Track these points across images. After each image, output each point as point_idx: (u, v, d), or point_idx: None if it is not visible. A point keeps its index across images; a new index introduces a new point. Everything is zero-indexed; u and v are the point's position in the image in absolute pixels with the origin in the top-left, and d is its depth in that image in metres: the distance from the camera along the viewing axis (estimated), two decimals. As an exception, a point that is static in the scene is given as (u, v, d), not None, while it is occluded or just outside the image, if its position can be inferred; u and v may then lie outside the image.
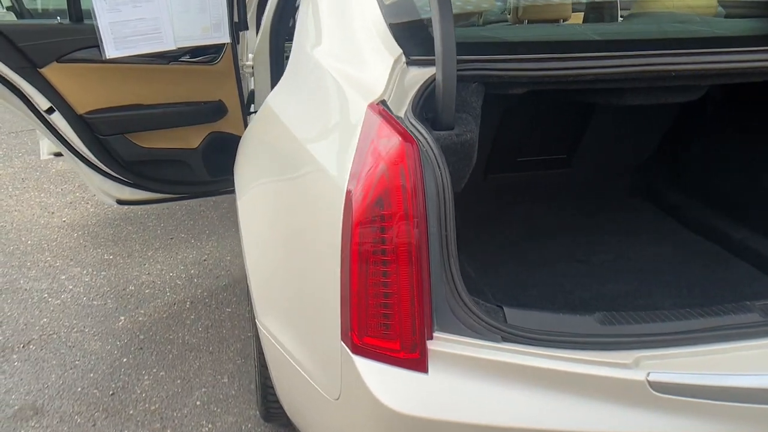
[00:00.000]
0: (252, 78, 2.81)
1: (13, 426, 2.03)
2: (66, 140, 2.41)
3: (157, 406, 2.12)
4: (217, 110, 2.59)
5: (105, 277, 2.89)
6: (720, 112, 2.02)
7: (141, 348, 2.41)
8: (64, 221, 3.44)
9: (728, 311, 1.22)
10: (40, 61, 2.22)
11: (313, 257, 1.28)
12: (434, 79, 1.26)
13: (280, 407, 1.80)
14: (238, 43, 2.63)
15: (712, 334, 1.17)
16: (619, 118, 2.16)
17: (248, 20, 2.81)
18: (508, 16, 2.89)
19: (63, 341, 2.45)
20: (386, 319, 1.15)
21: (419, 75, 1.29)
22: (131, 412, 2.10)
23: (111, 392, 2.18)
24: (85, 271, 2.94)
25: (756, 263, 1.79)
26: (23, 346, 2.42)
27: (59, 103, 2.30)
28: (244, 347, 2.42)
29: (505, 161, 2.20)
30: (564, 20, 2.82)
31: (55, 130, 2.38)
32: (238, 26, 2.56)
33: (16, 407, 2.12)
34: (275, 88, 1.76)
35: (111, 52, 2.20)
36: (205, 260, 3.04)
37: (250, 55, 2.76)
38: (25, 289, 2.80)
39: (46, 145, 3.12)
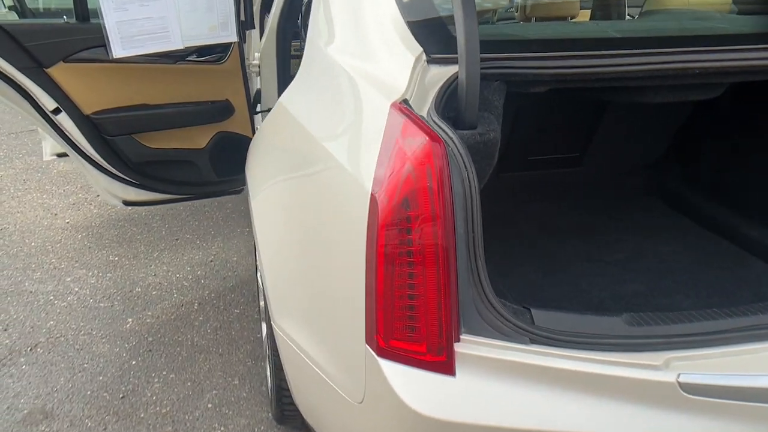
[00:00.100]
0: (258, 77, 2.79)
1: (24, 430, 2.01)
2: (72, 141, 2.38)
3: (168, 408, 2.10)
4: (224, 110, 2.57)
5: (111, 279, 2.86)
6: (734, 109, 2.01)
7: (150, 350, 2.39)
8: (68, 223, 3.42)
9: (757, 311, 1.21)
10: (47, 61, 2.19)
11: (335, 259, 1.27)
12: (456, 78, 1.24)
13: (295, 410, 1.79)
14: (245, 41, 2.61)
15: (742, 335, 1.16)
16: (631, 116, 2.15)
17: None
18: (516, 14, 2.88)
19: (71, 344, 2.43)
20: (412, 322, 1.13)
21: (440, 73, 1.27)
22: (142, 415, 2.07)
23: (121, 395, 2.16)
24: (90, 273, 2.91)
25: None
26: (30, 349, 2.40)
27: (66, 103, 2.27)
28: (254, 349, 2.40)
29: (517, 160, 2.19)
30: (572, 17, 2.81)
31: (61, 130, 2.36)
32: (244, 25, 2.53)
33: (26, 411, 2.09)
34: (289, 87, 1.74)
35: (118, 51, 2.18)
36: (211, 261, 3.02)
37: (257, 54, 2.74)
38: (31, 292, 2.77)
39: (49, 145, 3.10)
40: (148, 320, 2.56)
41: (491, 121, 1.30)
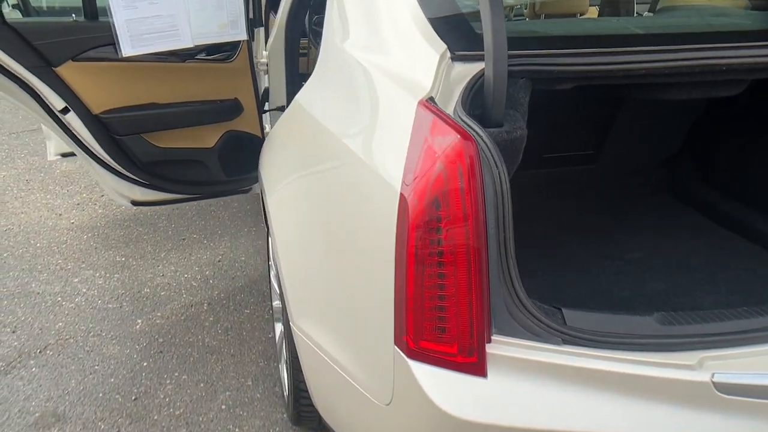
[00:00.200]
0: (266, 75, 2.76)
1: (36, 434, 1.99)
2: (80, 141, 2.36)
3: (181, 410, 2.08)
4: (233, 109, 2.55)
5: (118, 280, 2.84)
6: (751, 106, 2.00)
7: (161, 351, 2.37)
8: (73, 223, 3.39)
9: (788, 309, 1.20)
10: (56, 60, 2.17)
11: (361, 259, 1.25)
12: (482, 75, 1.22)
13: (312, 411, 1.77)
14: (253, 40, 2.58)
15: (775, 333, 1.15)
16: (646, 113, 2.14)
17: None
18: (525, 11, 2.86)
19: (80, 346, 2.40)
20: (443, 323, 1.12)
21: (465, 71, 1.25)
22: (156, 417, 2.06)
23: (134, 397, 2.14)
24: (97, 274, 2.89)
25: None
26: (40, 352, 2.38)
27: (74, 102, 2.25)
28: (266, 349, 2.38)
29: (531, 158, 2.17)
30: (581, 14, 2.79)
31: (70, 130, 2.33)
32: (253, 23, 2.51)
33: (37, 414, 2.07)
34: (305, 86, 1.72)
35: (127, 50, 2.15)
36: (219, 261, 3.00)
37: (264, 53, 2.71)
38: (38, 293, 2.75)
39: (53, 145, 3.08)
40: (157, 321, 2.54)
41: (517, 118, 1.28)
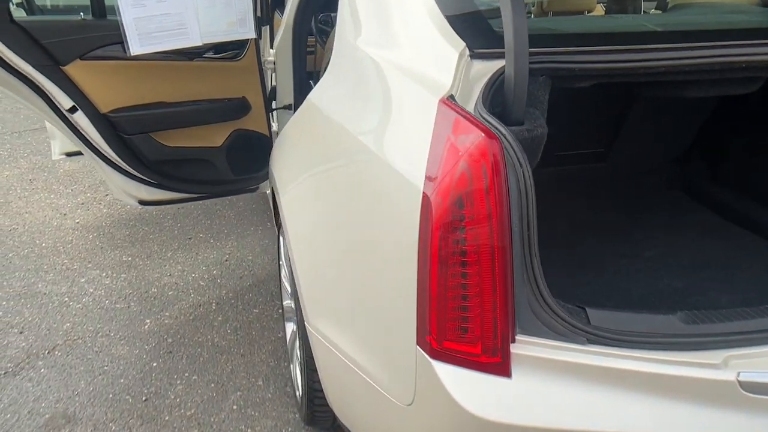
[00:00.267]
0: (273, 74, 2.75)
1: (47, 435, 1.98)
2: (88, 140, 2.34)
3: (193, 411, 2.07)
4: (241, 107, 2.53)
5: (125, 280, 2.83)
6: (763, 103, 1.99)
7: (170, 352, 2.35)
8: (78, 222, 3.37)
9: (812, 307, 1.19)
10: (64, 59, 2.15)
11: (382, 259, 1.24)
12: (502, 73, 1.21)
13: (327, 411, 1.77)
14: (260, 38, 2.57)
15: (800, 332, 1.14)
16: (658, 111, 2.13)
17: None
18: (533, 8, 2.85)
19: (89, 346, 2.39)
20: (466, 323, 1.11)
21: (484, 68, 1.24)
22: (167, 418, 2.05)
23: (144, 398, 2.13)
24: (104, 274, 2.88)
25: None
26: (48, 352, 2.36)
27: (82, 101, 2.23)
28: (276, 349, 2.37)
29: (544, 155, 2.16)
30: (589, 11, 2.78)
31: (77, 129, 2.32)
32: (260, 21, 2.50)
33: (47, 416, 2.06)
34: (318, 84, 1.71)
35: (135, 48, 2.13)
36: (226, 260, 2.99)
37: (271, 51, 2.70)
38: (44, 293, 2.73)
39: (58, 144, 3.06)
40: (166, 321, 2.53)
41: (537, 116, 1.28)
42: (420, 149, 1.15)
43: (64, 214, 3.46)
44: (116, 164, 2.42)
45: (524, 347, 1.11)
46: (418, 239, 1.11)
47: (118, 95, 2.29)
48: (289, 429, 2.00)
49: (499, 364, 1.11)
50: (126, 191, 2.53)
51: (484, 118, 1.14)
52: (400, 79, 1.34)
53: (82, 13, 2.23)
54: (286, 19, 2.50)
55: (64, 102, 2.22)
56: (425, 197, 1.10)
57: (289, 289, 2.09)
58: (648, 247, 1.89)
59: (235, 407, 2.09)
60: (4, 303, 2.66)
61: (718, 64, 1.31)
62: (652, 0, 3.02)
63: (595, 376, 1.10)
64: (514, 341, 1.11)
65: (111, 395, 2.14)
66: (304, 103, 1.74)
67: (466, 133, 1.10)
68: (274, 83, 2.78)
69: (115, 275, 2.87)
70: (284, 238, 1.91)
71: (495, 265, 1.08)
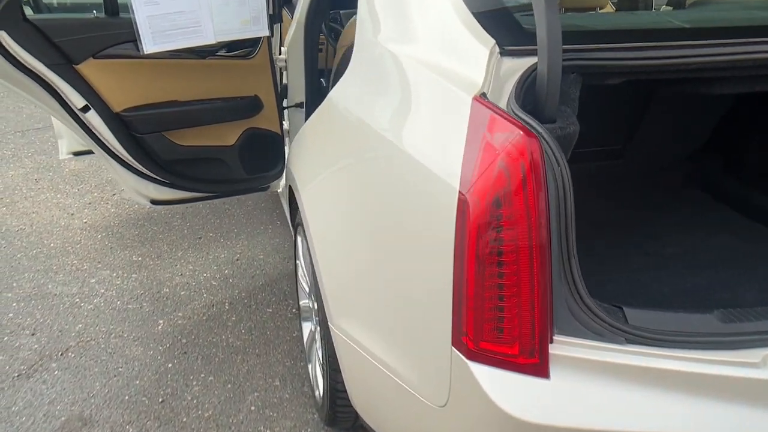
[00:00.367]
0: (284, 72, 2.73)
1: (64, 438, 1.97)
2: (100, 139, 2.32)
3: (210, 412, 2.06)
4: (254, 106, 2.51)
5: (136, 280, 2.81)
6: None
7: (185, 352, 2.34)
8: (86, 222, 3.35)
9: None
10: (77, 57, 2.13)
11: (415, 259, 1.23)
12: (534, 70, 1.20)
13: (349, 412, 1.76)
14: (272, 36, 2.55)
15: (839, 330, 1.13)
16: (675, 107, 2.12)
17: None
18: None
19: (102, 348, 2.37)
20: (503, 323, 1.10)
21: (514, 66, 1.23)
22: (185, 419, 2.03)
23: (160, 399, 2.11)
24: (114, 274, 2.86)
25: None
26: (61, 354, 2.35)
27: (95, 100, 2.21)
28: (291, 348, 2.36)
29: None
30: (600, 8, 2.76)
31: (89, 129, 2.30)
32: (272, 18, 2.48)
33: (63, 419, 2.04)
34: (339, 82, 1.69)
35: (149, 46, 2.11)
36: (237, 260, 2.97)
37: (283, 49, 2.68)
38: (55, 294, 2.71)
39: (65, 144, 3.04)
40: (179, 321, 2.52)
41: (569, 114, 1.26)
42: (454, 148, 1.14)
43: (72, 214, 3.44)
44: (128, 164, 2.39)
45: (562, 347, 1.10)
46: (455, 238, 1.10)
47: (131, 94, 2.27)
48: (309, 430, 1.99)
49: (536, 365, 1.10)
50: (138, 191, 2.50)
51: (519, 116, 1.12)
52: (429, 77, 1.32)
53: (95, 11, 2.21)
54: (297, 17, 2.48)
55: (77, 101, 2.19)
56: (461, 196, 1.08)
57: (306, 289, 2.08)
58: (668, 244, 1.89)
59: (253, 408, 2.08)
60: (14, 304, 2.64)
61: (750, 60, 1.30)
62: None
63: (634, 376, 1.09)
64: (552, 341, 1.10)
65: (127, 397, 2.13)
66: (325, 101, 1.73)
67: (502, 131, 1.09)
68: (285, 81, 2.76)
69: (125, 275, 2.85)
70: (304, 238, 1.89)
71: (533, 264, 1.07)
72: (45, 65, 2.09)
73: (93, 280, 2.81)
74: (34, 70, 2.08)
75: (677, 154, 2.30)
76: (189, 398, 2.12)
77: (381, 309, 1.38)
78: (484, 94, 1.18)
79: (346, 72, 1.68)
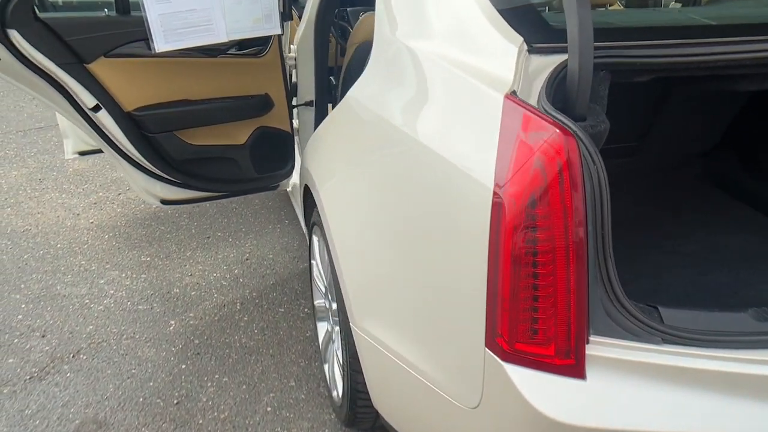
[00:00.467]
0: (294, 70, 2.71)
1: (80, 441, 1.95)
2: (111, 139, 2.30)
3: (226, 414, 2.04)
4: (264, 104, 2.49)
5: (146, 280, 2.79)
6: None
7: (198, 353, 2.32)
8: (92, 222, 3.33)
9: None
10: (88, 56, 2.10)
11: (445, 259, 1.21)
12: (564, 68, 1.19)
13: (369, 413, 1.75)
14: (283, 33, 2.53)
15: None
16: (690, 104, 2.11)
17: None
18: (554, 2, 2.81)
19: (114, 349, 2.36)
20: (538, 324, 1.09)
21: (542, 63, 1.22)
22: (200, 421, 2.02)
23: (175, 401, 2.10)
24: (123, 275, 2.84)
25: None
26: (73, 356, 2.33)
27: (106, 100, 2.18)
28: (305, 348, 2.34)
29: None
30: (610, 5, 2.75)
31: (99, 128, 2.27)
32: (282, 16, 2.46)
33: (77, 422, 2.02)
34: (359, 80, 1.68)
35: (161, 45, 2.09)
36: (247, 259, 2.96)
37: (292, 47, 2.66)
38: (64, 295, 2.69)
39: (71, 143, 3.01)
40: (191, 322, 2.50)
41: (599, 112, 1.25)
42: (486, 146, 1.13)
43: (77, 214, 3.42)
44: (139, 164, 2.37)
45: (598, 348, 1.09)
46: (489, 238, 1.08)
47: (143, 93, 2.24)
48: (326, 430, 1.98)
49: (572, 366, 1.09)
50: (148, 191, 2.48)
51: (552, 114, 1.11)
52: (456, 75, 1.31)
53: (106, 10, 2.18)
54: (307, 15, 2.46)
55: (88, 100, 2.17)
56: (496, 196, 1.07)
57: (323, 289, 2.06)
58: (687, 242, 1.88)
59: (269, 409, 2.06)
60: (23, 306, 2.62)
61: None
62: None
63: (670, 377, 1.08)
64: (588, 342, 1.09)
65: (141, 399, 2.11)
66: (344, 100, 1.71)
67: (538, 130, 1.07)
68: (295, 79, 2.74)
69: (134, 276, 2.83)
70: (321, 237, 1.88)
71: (570, 264, 1.06)
72: (56, 64, 2.06)
73: (102, 281, 2.79)
74: (45, 69, 2.06)
75: (692, 151, 2.29)
76: (204, 400, 2.10)
77: (407, 309, 1.37)
78: (514, 92, 1.17)
79: (366, 70, 1.67)
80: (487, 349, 1.13)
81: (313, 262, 2.15)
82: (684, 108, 2.10)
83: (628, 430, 1.07)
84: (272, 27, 2.29)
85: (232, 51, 2.45)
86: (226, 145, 2.46)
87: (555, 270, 1.06)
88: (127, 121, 2.25)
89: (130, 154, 2.34)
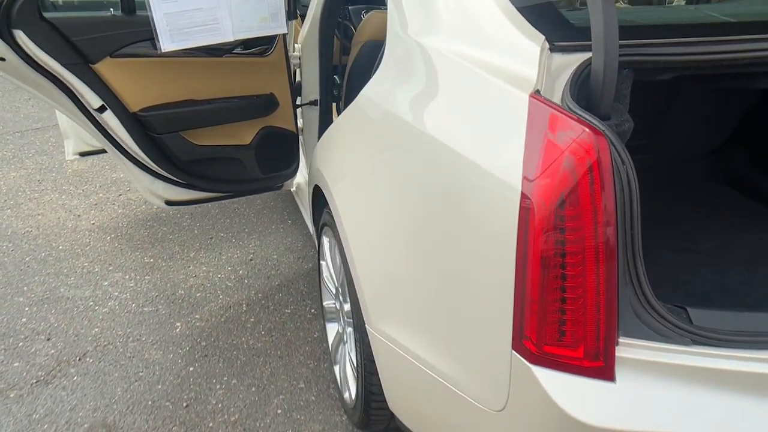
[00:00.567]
0: (298, 69, 2.69)
1: (89, 446, 1.92)
2: (116, 140, 2.27)
3: (236, 416, 2.02)
4: (269, 104, 2.47)
5: (150, 282, 2.76)
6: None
7: (206, 355, 2.30)
8: (93, 224, 3.29)
9: None
10: (94, 57, 2.08)
11: (470, 260, 1.20)
12: (587, 66, 1.17)
13: (383, 415, 1.74)
14: (288, 33, 2.51)
15: None
16: (702, 101, 2.11)
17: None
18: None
19: (121, 352, 2.33)
20: (567, 326, 1.07)
21: (565, 62, 1.20)
22: (211, 424, 2.00)
23: (185, 404, 2.08)
24: (127, 276, 2.81)
25: None
26: (79, 359, 2.30)
27: (112, 100, 2.16)
28: (314, 350, 2.32)
29: None
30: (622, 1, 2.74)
31: (104, 129, 2.25)
32: (288, 15, 2.43)
33: (86, 426, 2.00)
34: (372, 79, 1.66)
35: (167, 44, 2.06)
36: (251, 260, 2.93)
37: (297, 46, 2.64)
38: (68, 298, 2.66)
39: (72, 144, 2.98)
40: (197, 324, 2.47)
41: (622, 111, 1.24)
42: (511, 146, 1.11)
43: (78, 216, 3.38)
44: (144, 164, 2.35)
45: (627, 350, 1.08)
46: (517, 240, 1.07)
47: (148, 93, 2.22)
48: (338, 432, 1.96)
49: (601, 368, 1.07)
50: (153, 192, 2.46)
51: (579, 114, 1.10)
52: (476, 74, 1.29)
53: (111, 9, 2.15)
54: (312, 14, 2.44)
55: (93, 101, 2.14)
56: (524, 197, 1.06)
57: (333, 290, 2.05)
58: (702, 239, 1.87)
59: (279, 411, 2.04)
60: (27, 309, 2.58)
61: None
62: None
63: (700, 378, 1.07)
64: (617, 344, 1.08)
65: (150, 402, 2.09)
66: (357, 99, 1.69)
67: (566, 129, 1.06)
68: (299, 79, 2.72)
69: (138, 278, 2.80)
70: (332, 238, 1.86)
71: (600, 266, 1.04)
72: (61, 65, 2.04)
73: (105, 283, 2.76)
74: (50, 70, 2.03)
75: (702, 149, 2.28)
76: (213, 402, 2.08)
77: (426, 311, 1.35)
78: (538, 91, 1.16)
79: (380, 69, 1.65)
80: (513, 351, 1.12)
81: (322, 263, 2.13)
82: (692, 105, 2.09)
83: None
84: (278, 26, 2.27)
85: (237, 50, 2.42)
86: (232, 145, 2.44)
87: (584, 271, 1.05)
88: (133, 121, 2.22)
89: (135, 155, 2.31)
